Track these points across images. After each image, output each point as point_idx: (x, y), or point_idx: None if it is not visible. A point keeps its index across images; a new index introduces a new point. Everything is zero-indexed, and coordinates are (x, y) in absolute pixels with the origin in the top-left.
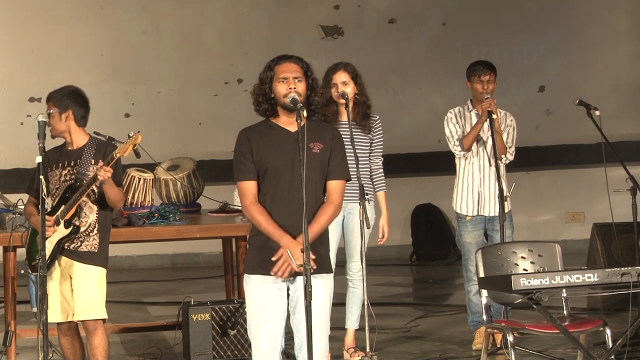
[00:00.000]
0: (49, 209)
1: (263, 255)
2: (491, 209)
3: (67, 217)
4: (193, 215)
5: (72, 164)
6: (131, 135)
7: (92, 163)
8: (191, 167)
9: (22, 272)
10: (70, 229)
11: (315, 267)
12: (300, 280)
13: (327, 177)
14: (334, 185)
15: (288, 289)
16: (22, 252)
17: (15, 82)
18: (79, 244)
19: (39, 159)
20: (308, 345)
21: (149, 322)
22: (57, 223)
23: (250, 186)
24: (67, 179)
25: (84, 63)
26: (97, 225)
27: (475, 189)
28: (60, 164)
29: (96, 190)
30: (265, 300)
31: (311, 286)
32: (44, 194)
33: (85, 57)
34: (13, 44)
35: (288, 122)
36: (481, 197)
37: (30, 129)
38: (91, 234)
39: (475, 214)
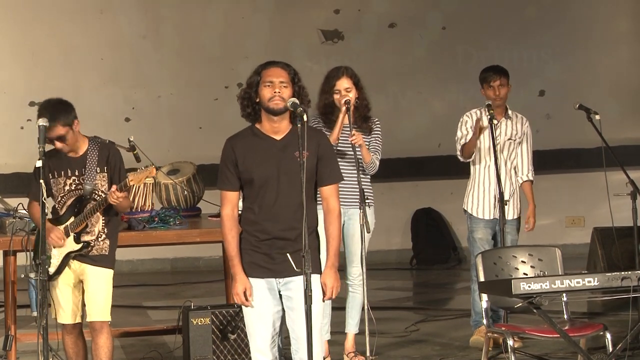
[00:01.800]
0: (49, 215)
1: (253, 258)
2: (508, 212)
3: (77, 230)
4: (193, 220)
5: (77, 173)
6: (131, 139)
7: (98, 171)
8: (191, 171)
9: (22, 276)
10: (81, 245)
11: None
12: (292, 282)
13: (320, 183)
14: (328, 191)
15: (280, 291)
16: (22, 255)
17: (15, 87)
18: (89, 249)
19: (39, 164)
20: (308, 348)
21: (149, 326)
22: (66, 235)
23: (231, 196)
24: (74, 188)
25: (84, 67)
26: (105, 230)
27: (492, 193)
28: (63, 172)
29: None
30: (258, 302)
31: (311, 290)
32: (44, 199)
33: (86, 61)
34: (13, 48)
35: (272, 130)
36: (498, 201)
37: (30, 134)
38: (99, 239)
39: (492, 217)
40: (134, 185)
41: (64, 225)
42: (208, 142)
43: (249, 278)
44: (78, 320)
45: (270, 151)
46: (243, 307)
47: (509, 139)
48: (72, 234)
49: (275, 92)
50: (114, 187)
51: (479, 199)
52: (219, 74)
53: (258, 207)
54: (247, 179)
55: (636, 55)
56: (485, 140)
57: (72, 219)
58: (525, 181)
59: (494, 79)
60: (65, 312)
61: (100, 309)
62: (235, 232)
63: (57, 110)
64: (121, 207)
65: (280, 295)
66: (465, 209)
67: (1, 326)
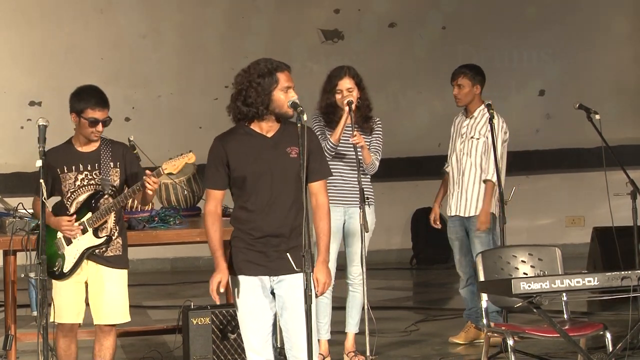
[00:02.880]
0: (49, 210)
1: (247, 256)
2: (466, 210)
3: (96, 225)
4: (193, 219)
5: (89, 168)
6: (131, 139)
7: (111, 166)
8: (191, 171)
9: (22, 275)
10: (103, 240)
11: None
12: (285, 280)
13: (309, 179)
14: (318, 187)
15: (272, 289)
16: (22, 255)
17: (16, 86)
18: (104, 249)
19: (39, 163)
20: (308, 347)
21: (149, 325)
22: (84, 231)
23: (216, 194)
24: (85, 183)
25: (84, 67)
26: (117, 228)
27: (455, 190)
28: (74, 167)
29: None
30: (252, 301)
31: (311, 290)
32: (44, 198)
33: (86, 61)
34: (13, 48)
35: (266, 128)
36: (460, 198)
37: (30, 133)
38: (113, 237)
39: (453, 214)
40: (169, 173)
41: (80, 222)
42: (208, 142)
43: (244, 276)
44: (79, 320)
45: (262, 149)
46: (238, 306)
47: (471, 138)
48: (90, 230)
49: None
50: (149, 172)
51: (448, 197)
52: (219, 73)
53: (252, 204)
54: (240, 177)
55: (636, 55)
56: (453, 139)
57: (89, 215)
58: (484, 180)
59: (452, 80)
60: (69, 311)
61: (120, 311)
62: (217, 227)
63: (105, 96)
64: (150, 197)
65: (273, 294)
66: None
67: (1, 326)
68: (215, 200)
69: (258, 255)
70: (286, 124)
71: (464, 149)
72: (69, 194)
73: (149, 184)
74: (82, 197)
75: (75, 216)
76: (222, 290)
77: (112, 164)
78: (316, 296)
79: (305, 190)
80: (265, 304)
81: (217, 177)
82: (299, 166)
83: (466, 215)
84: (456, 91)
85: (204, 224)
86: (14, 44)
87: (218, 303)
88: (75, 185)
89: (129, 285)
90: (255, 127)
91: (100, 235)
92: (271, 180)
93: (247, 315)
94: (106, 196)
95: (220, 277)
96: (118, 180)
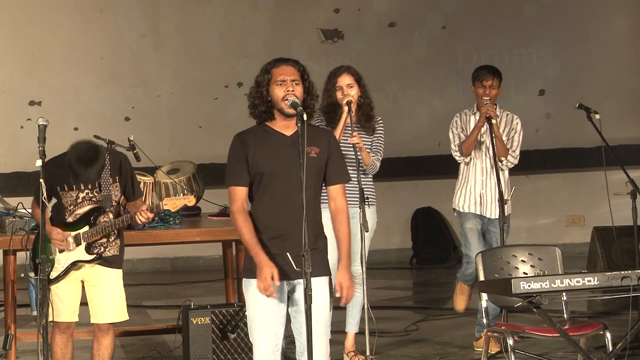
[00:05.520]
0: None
1: None
2: (492, 211)
3: (91, 241)
4: (193, 219)
5: (90, 187)
6: (131, 138)
7: (111, 182)
8: (191, 170)
9: (22, 275)
10: (93, 257)
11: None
12: (301, 284)
13: (328, 182)
14: (337, 190)
15: (289, 293)
16: (22, 255)
17: (16, 86)
18: (102, 249)
19: (39, 163)
20: (308, 349)
21: (149, 325)
22: (77, 243)
23: (240, 192)
24: (87, 199)
25: (84, 67)
26: (116, 230)
27: (477, 191)
28: (74, 186)
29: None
30: (265, 305)
31: (311, 289)
32: (44, 198)
33: (85, 60)
34: (13, 48)
35: (284, 126)
36: (483, 200)
37: (30, 133)
38: (111, 239)
39: (478, 213)
40: (167, 209)
41: (75, 233)
42: (208, 141)
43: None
44: (75, 319)
45: (281, 146)
46: (248, 313)
47: (491, 139)
48: (83, 243)
49: (288, 91)
50: (144, 207)
51: (465, 195)
52: (219, 73)
53: (268, 202)
54: (257, 174)
55: (636, 55)
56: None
57: (86, 228)
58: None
59: (487, 78)
60: (64, 310)
61: (117, 310)
62: (249, 224)
63: (96, 159)
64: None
65: (288, 298)
66: (454, 207)
67: (1, 325)
68: (241, 199)
69: (274, 258)
70: (307, 123)
71: (490, 149)
72: (70, 208)
73: (141, 220)
74: (81, 210)
75: (68, 232)
76: (277, 283)
77: (111, 179)
78: (344, 303)
79: (306, 191)
80: (278, 310)
81: (241, 173)
82: (319, 167)
83: (493, 217)
84: (490, 90)
85: (235, 224)
86: (13, 44)
87: (274, 297)
88: (76, 202)
89: (129, 285)
90: (273, 125)
91: (92, 252)
92: (288, 178)
93: (258, 321)
94: (107, 212)
95: (271, 270)
96: (118, 194)
